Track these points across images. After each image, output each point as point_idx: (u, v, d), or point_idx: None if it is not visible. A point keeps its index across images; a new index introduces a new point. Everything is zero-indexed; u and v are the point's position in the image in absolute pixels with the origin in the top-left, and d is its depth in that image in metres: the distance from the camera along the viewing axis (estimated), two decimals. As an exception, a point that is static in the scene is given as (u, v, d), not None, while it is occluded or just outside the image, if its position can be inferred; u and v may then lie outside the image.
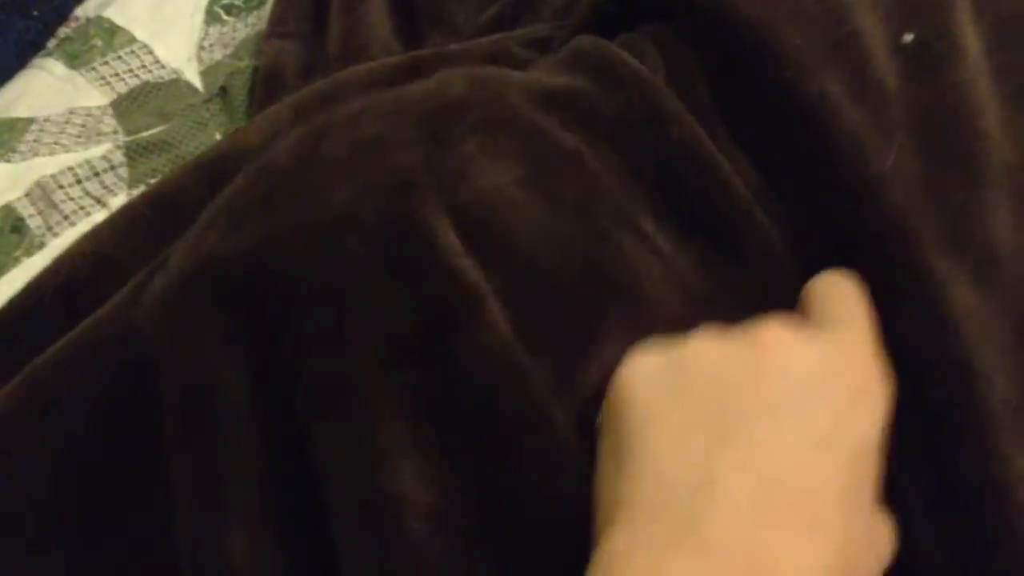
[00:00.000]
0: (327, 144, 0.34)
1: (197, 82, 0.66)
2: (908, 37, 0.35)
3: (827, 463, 0.26)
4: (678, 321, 0.31)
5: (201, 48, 0.68)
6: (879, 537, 0.28)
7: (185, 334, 0.32)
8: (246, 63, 0.63)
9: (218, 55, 0.67)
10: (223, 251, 0.33)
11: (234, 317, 0.32)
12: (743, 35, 0.35)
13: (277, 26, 0.62)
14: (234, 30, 0.69)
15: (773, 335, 0.28)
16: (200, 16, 0.70)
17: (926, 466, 0.30)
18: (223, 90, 0.63)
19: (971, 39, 0.35)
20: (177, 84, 0.66)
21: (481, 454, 0.29)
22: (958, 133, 0.33)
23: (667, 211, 0.34)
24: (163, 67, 0.67)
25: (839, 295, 0.31)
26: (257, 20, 0.68)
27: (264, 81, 0.58)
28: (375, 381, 0.30)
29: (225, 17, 0.70)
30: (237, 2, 0.71)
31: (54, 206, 0.57)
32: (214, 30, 0.69)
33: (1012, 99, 0.35)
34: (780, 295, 0.32)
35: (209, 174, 0.43)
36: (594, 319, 0.31)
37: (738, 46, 0.35)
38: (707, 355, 0.28)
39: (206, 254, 0.33)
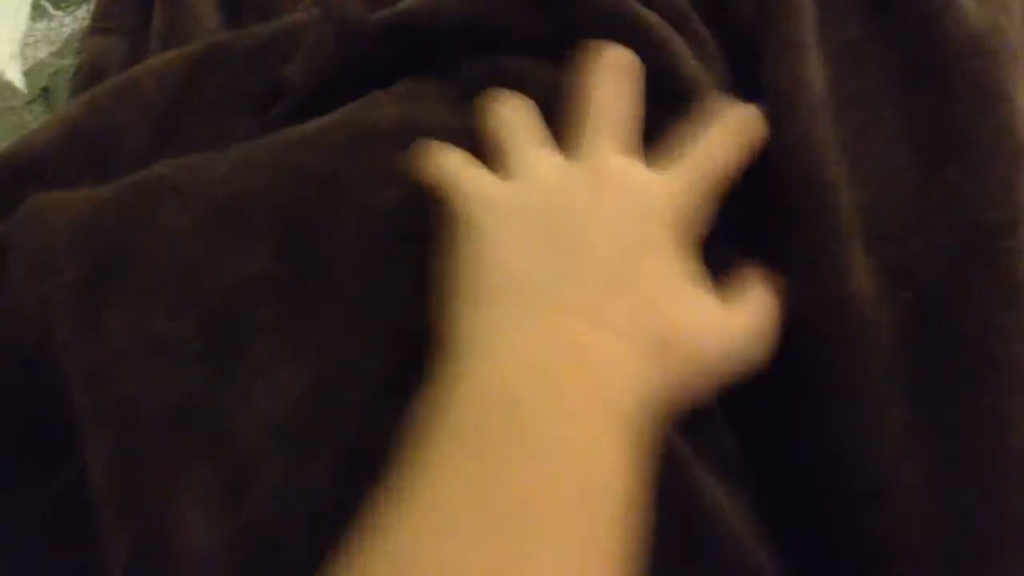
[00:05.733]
0: None
1: (19, 82, 0.61)
2: None
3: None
4: None
5: (26, 45, 0.63)
6: (712, 318, 0.31)
7: None
8: (69, 61, 0.58)
9: (43, 53, 0.62)
10: None
11: None
12: None
13: (100, 21, 0.57)
14: (62, 25, 0.64)
15: (609, 164, 0.33)
16: (25, 10, 0.65)
17: None
18: (45, 90, 0.58)
19: (815, 71, 0.33)
20: (-3, 84, 0.61)
21: None
22: (801, 191, 0.32)
23: None
24: (-18, 66, 0.62)
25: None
26: (87, 14, 0.63)
27: (85, 81, 0.54)
28: None
29: (53, 11, 0.65)
30: (66, -5, 0.66)
31: None
32: (41, 25, 0.64)
33: (859, 131, 0.33)
34: None
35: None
36: None
37: None
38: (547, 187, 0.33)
39: None
